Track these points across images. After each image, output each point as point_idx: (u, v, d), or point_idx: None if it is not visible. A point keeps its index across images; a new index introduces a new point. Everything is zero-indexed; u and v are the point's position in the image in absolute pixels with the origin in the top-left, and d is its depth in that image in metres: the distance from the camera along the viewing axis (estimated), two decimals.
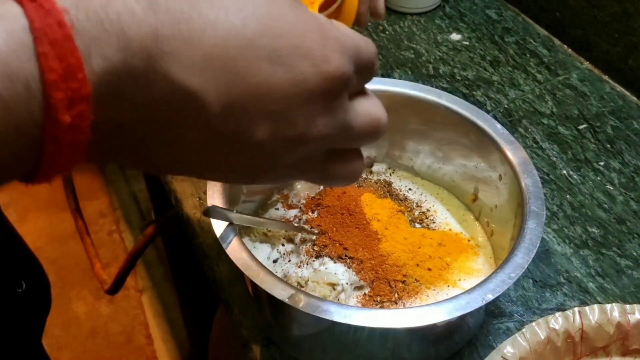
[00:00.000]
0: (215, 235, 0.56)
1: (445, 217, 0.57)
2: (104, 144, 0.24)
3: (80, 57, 0.21)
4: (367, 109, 0.31)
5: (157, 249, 1.70)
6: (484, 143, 0.52)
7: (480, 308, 0.40)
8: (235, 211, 0.45)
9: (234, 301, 0.54)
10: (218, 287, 0.55)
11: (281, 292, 0.40)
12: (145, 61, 0.22)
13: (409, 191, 0.59)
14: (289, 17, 0.26)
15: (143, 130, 0.24)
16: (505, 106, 0.73)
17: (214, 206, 0.43)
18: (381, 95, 0.55)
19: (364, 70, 0.30)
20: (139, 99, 0.23)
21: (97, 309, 1.66)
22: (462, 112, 0.54)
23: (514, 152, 0.50)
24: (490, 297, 0.40)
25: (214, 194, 0.46)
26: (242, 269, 0.41)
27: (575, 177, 0.65)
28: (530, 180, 0.48)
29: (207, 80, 0.23)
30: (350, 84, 0.29)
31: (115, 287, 0.99)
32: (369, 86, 0.32)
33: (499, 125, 0.52)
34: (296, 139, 0.27)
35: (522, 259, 0.42)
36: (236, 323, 0.52)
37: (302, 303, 0.39)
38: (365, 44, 0.30)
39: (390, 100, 0.56)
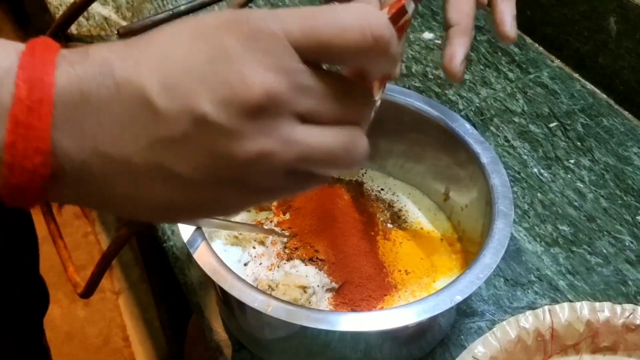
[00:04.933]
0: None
1: (417, 217, 0.57)
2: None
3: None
4: (318, 140, 0.25)
5: (133, 250, 1.69)
6: (453, 143, 0.52)
7: (450, 308, 0.40)
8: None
9: (205, 305, 0.53)
10: (189, 291, 0.55)
11: (249, 298, 0.39)
12: None
13: (382, 191, 0.59)
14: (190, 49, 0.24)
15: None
16: (477, 105, 0.73)
17: None
18: None
19: (336, 59, 0.25)
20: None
21: (73, 312, 1.64)
22: (431, 112, 0.54)
23: (483, 152, 0.50)
24: (459, 298, 0.40)
25: None
26: (209, 274, 0.41)
27: (546, 175, 0.65)
28: (498, 180, 0.48)
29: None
30: (282, 104, 0.24)
31: (89, 290, 0.98)
32: None
33: (468, 125, 0.52)
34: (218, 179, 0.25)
35: (490, 260, 0.42)
36: (207, 327, 0.52)
37: (270, 308, 0.39)
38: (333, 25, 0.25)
39: None
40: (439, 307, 0.39)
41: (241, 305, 0.40)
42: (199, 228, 0.44)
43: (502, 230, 0.44)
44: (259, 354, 0.49)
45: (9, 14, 2.46)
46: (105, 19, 0.85)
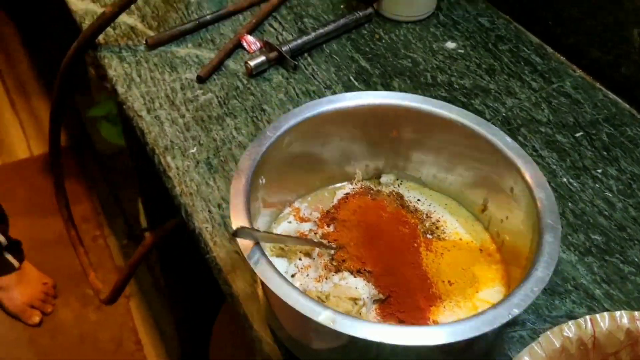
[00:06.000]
0: (229, 250, 0.57)
1: (454, 227, 0.59)
2: None
3: None
4: None
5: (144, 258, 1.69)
6: (495, 156, 0.54)
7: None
8: (260, 230, 0.46)
9: (253, 316, 0.54)
10: (235, 302, 0.56)
11: (313, 312, 0.41)
12: None
13: (418, 202, 0.61)
14: None
15: None
16: (504, 114, 0.75)
17: (242, 227, 0.44)
18: (385, 107, 0.57)
19: None
20: None
21: (85, 315, 1.65)
22: (472, 125, 0.55)
23: (526, 166, 0.52)
24: (516, 311, 0.41)
25: (238, 214, 0.46)
26: (272, 288, 0.42)
27: (575, 184, 0.67)
28: (544, 194, 0.49)
29: None
30: None
31: (114, 297, 0.99)
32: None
33: (509, 139, 0.54)
34: None
35: (543, 273, 0.43)
36: (257, 339, 0.53)
37: (335, 323, 0.40)
38: None
39: (394, 113, 0.57)
40: (497, 320, 0.41)
41: (300, 317, 0.42)
42: (257, 243, 0.45)
43: (551, 244, 0.46)
44: None
45: (11, 18, 2.46)
46: (132, 28, 0.86)
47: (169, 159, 0.68)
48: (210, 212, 0.62)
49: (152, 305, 1.70)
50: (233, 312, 0.58)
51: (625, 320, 0.51)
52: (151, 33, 0.85)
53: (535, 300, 0.55)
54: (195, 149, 0.69)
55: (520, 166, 0.51)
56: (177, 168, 0.67)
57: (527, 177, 0.51)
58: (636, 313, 0.51)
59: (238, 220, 0.45)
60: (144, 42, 0.83)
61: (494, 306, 0.42)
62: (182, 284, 1.27)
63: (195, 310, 1.30)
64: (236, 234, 0.43)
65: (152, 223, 1.17)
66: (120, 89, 0.77)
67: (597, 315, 0.51)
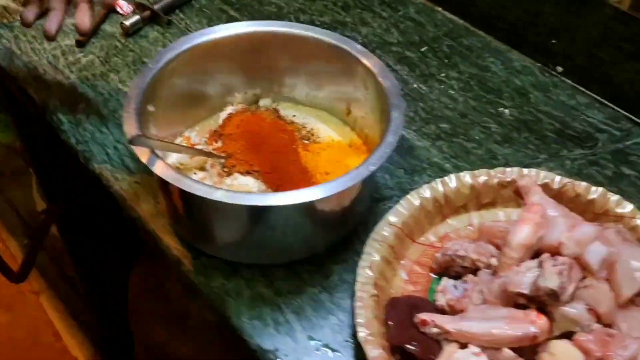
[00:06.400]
0: (130, 181, 0.64)
1: (327, 132, 0.68)
2: None
3: None
4: None
5: (47, 250, 1.69)
6: (349, 61, 0.63)
7: (366, 190, 0.52)
8: (154, 139, 0.53)
9: (159, 230, 0.61)
10: (142, 223, 0.63)
11: (209, 192, 0.49)
12: None
13: (294, 117, 0.70)
14: None
15: None
16: (360, 41, 0.85)
17: (138, 135, 0.50)
18: (253, 35, 0.65)
19: None
20: None
21: None
22: (327, 39, 0.64)
23: (372, 63, 0.62)
24: (372, 168, 0.51)
25: (131, 124, 0.53)
26: (172, 182, 0.49)
27: (424, 88, 0.78)
28: (389, 83, 0.60)
29: None
30: None
31: (24, 273, 1.01)
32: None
33: (358, 45, 0.64)
34: None
35: (392, 139, 0.54)
36: (165, 247, 0.60)
37: (230, 197, 0.48)
38: None
39: (262, 40, 0.66)
40: (358, 176, 0.51)
41: (200, 202, 0.50)
42: (152, 151, 0.52)
43: (397, 118, 0.56)
44: (214, 253, 0.58)
45: None
46: (4, 7, 0.88)
47: (60, 115, 0.73)
48: (107, 154, 0.68)
49: (63, 296, 1.70)
50: (142, 236, 0.65)
51: (468, 178, 0.63)
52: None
53: (399, 179, 0.66)
54: (83, 103, 0.74)
55: (368, 64, 0.61)
56: (70, 122, 0.72)
57: (375, 71, 0.61)
58: (476, 171, 0.63)
59: (131, 128, 0.52)
60: (19, 18, 0.86)
61: (357, 167, 0.52)
62: (89, 263, 1.30)
63: (107, 286, 1.33)
64: (132, 141, 0.50)
65: (51, 201, 1.19)
66: (2, 63, 0.80)
67: (446, 177, 0.63)
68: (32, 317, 1.64)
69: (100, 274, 1.26)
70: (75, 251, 1.27)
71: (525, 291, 0.48)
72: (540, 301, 0.47)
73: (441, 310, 0.53)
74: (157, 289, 0.88)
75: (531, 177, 0.61)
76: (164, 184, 0.53)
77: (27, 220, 1.81)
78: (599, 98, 0.77)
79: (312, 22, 0.88)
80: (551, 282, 0.47)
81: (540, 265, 0.49)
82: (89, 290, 1.41)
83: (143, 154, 0.51)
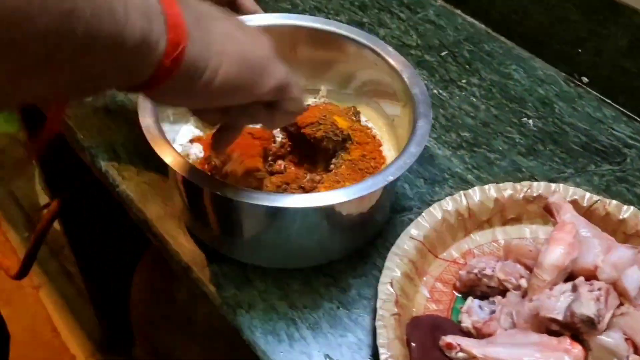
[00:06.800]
0: (138, 181, 0.61)
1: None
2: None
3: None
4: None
5: (48, 244, 1.66)
6: (381, 64, 0.60)
7: (385, 199, 0.49)
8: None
9: (168, 234, 0.59)
10: (149, 226, 0.60)
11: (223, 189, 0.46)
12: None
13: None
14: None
15: None
16: None
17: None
18: (283, 28, 0.62)
19: None
20: None
21: None
22: (360, 39, 0.62)
23: (404, 69, 0.59)
24: (391, 178, 0.48)
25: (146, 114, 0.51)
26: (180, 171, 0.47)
27: (444, 94, 0.75)
28: (418, 90, 0.57)
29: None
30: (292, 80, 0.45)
31: (24, 270, 0.98)
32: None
33: (390, 48, 0.61)
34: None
35: (414, 149, 0.51)
36: (175, 253, 0.57)
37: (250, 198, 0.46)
38: None
39: (293, 33, 0.63)
40: (376, 185, 0.48)
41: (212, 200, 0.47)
42: (170, 144, 0.50)
43: (422, 127, 0.53)
44: (227, 253, 0.56)
45: None
46: None
47: (66, 110, 0.70)
48: (115, 151, 0.65)
49: (64, 292, 1.67)
50: (150, 239, 0.62)
51: (492, 192, 0.60)
52: None
53: (419, 189, 0.64)
54: (91, 98, 0.71)
55: (399, 69, 0.59)
56: (77, 116, 0.69)
57: (405, 77, 0.58)
58: (501, 184, 0.60)
59: (147, 119, 0.49)
60: None
61: (372, 176, 0.49)
62: (92, 259, 1.27)
63: (109, 283, 1.31)
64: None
65: (54, 195, 1.16)
66: None
67: (470, 190, 0.60)
68: (31, 313, 1.61)
69: (103, 270, 1.24)
70: (78, 246, 1.25)
71: (559, 317, 0.45)
72: (575, 328, 0.44)
73: (466, 333, 0.51)
74: (162, 291, 0.85)
75: (561, 193, 0.58)
76: (186, 184, 0.50)
77: (29, 212, 1.79)
78: (626, 111, 0.74)
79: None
80: (588, 308, 0.44)
81: (574, 290, 0.46)
82: (89, 287, 1.39)
83: (162, 149, 0.49)
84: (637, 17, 0.70)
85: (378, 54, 0.61)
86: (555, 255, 0.48)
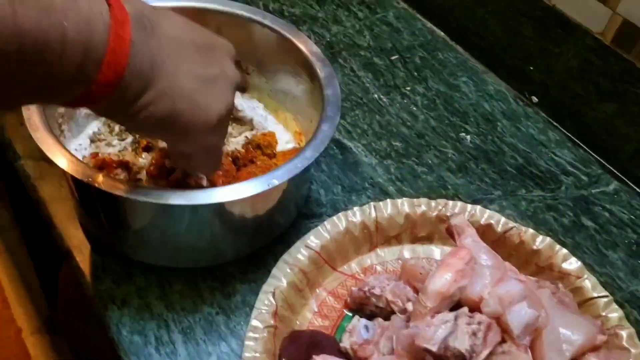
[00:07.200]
0: (37, 158, 0.58)
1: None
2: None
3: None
4: None
5: (9, 212, 1.63)
6: (300, 59, 0.57)
7: (286, 202, 0.46)
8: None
9: (57, 216, 0.55)
10: (41, 206, 0.56)
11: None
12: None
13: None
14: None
15: None
16: (328, 40, 0.79)
17: None
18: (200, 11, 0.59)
19: None
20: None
21: None
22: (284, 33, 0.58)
23: (322, 68, 0.55)
24: (275, 182, 0.45)
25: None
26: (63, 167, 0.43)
27: (384, 100, 0.72)
28: (331, 91, 0.53)
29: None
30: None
31: None
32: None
33: (314, 47, 0.57)
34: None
35: (310, 154, 0.47)
36: (57, 237, 0.54)
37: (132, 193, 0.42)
38: None
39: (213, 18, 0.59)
40: (256, 188, 0.44)
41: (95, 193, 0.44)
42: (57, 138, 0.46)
43: (325, 132, 0.49)
44: (115, 248, 0.52)
45: None
46: None
47: None
48: (21, 124, 0.62)
49: (20, 265, 1.64)
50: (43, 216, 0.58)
51: (405, 207, 0.56)
52: None
53: (334, 196, 0.60)
54: None
55: (316, 68, 0.55)
56: None
57: (321, 77, 0.54)
58: (415, 200, 0.57)
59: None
60: None
61: (257, 177, 0.45)
62: (32, 239, 1.24)
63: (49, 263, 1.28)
64: None
65: None
66: None
67: (381, 203, 0.56)
68: None
69: (42, 250, 1.20)
70: (22, 225, 1.22)
71: (433, 348, 0.41)
72: None
73: (344, 354, 0.47)
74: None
75: (464, 216, 0.54)
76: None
77: None
78: (571, 136, 0.71)
79: (280, 12, 0.82)
80: (461, 342, 0.41)
81: (456, 320, 0.42)
82: (35, 264, 1.36)
83: (47, 146, 0.45)
84: (589, 38, 0.66)
85: (299, 50, 0.57)
86: (441, 281, 0.44)
